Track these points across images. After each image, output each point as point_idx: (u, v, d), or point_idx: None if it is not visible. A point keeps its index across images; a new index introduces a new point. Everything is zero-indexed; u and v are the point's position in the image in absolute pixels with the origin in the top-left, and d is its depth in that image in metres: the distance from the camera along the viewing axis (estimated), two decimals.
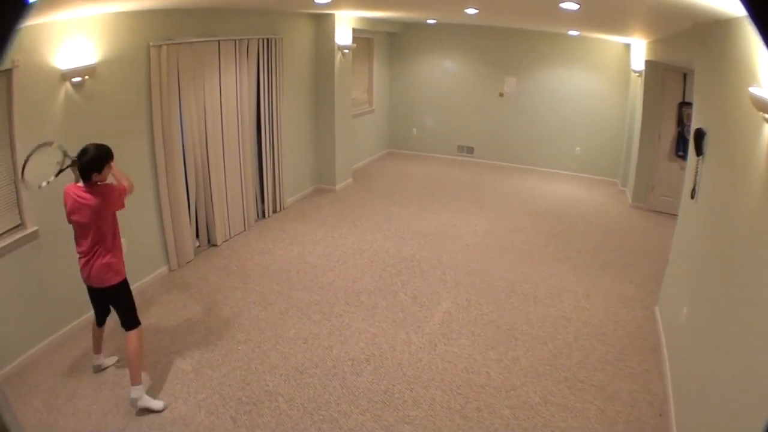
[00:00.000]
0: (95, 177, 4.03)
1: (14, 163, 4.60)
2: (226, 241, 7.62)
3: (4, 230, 4.60)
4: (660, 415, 4.35)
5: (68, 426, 4.10)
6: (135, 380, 4.28)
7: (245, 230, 8.07)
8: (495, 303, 6.15)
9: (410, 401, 4.48)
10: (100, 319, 4.61)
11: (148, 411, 4.27)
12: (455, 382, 4.74)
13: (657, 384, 4.75)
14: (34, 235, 4.80)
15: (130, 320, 4.35)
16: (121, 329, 4.38)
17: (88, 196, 4.02)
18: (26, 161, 3.97)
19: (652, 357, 5.17)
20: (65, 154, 4.04)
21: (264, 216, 8.68)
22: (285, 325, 5.59)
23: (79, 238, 4.17)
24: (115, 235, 4.19)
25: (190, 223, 6.94)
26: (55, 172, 4.04)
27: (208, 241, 7.45)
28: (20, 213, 4.75)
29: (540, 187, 11.12)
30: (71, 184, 4.11)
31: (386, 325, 5.62)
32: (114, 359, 4.90)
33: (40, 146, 3.99)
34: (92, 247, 4.14)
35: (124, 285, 4.31)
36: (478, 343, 5.36)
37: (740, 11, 3.27)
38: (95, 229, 4.08)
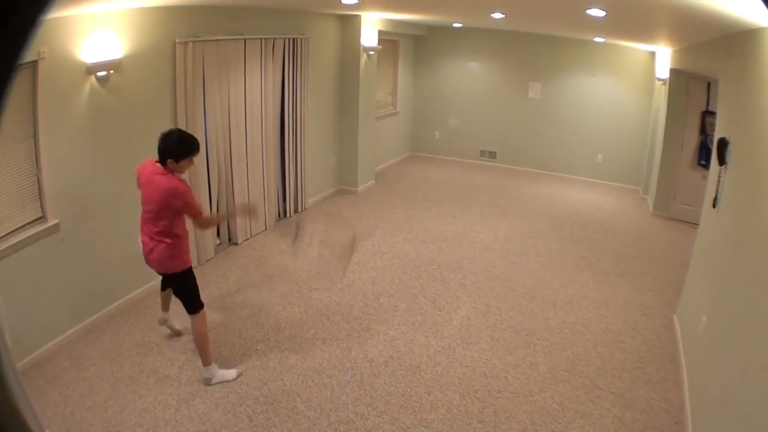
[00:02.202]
0: (170, 164, 4.07)
1: (37, 156, 4.64)
2: (246, 239, 7.67)
3: (25, 222, 4.65)
4: (677, 423, 4.34)
5: (84, 419, 4.15)
6: (204, 362, 4.49)
7: (266, 229, 8.12)
8: (515, 308, 6.15)
9: (428, 404, 4.50)
10: (165, 286, 4.85)
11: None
12: (473, 387, 4.75)
13: (674, 392, 4.73)
14: (54, 228, 4.84)
15: (190, 306, 4.44)
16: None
17: (159, 179, 4.08)
18: None
19: (670, 365, 5.15)
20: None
21: (285, 215, 8.72)
22: (304, 325, 5.63)
23: (142, 214, 4.26)
24: (177, 225, 4.20)
25: None
26: None
27: (229, 239, 7.51)
28: (41, 206, 4.79)
29: (561, 193, 11.09)
30: (150, 159, 4.20)
31: (405, 328, 5.64)
32: (178, 326, 5.16)
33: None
34: (151, 231, 4.20)
35: (185, 274, 4.36)
36: (496, 348, 5.37)
37: (767, 22, 3.26)
38: (154, 214, 4.14)
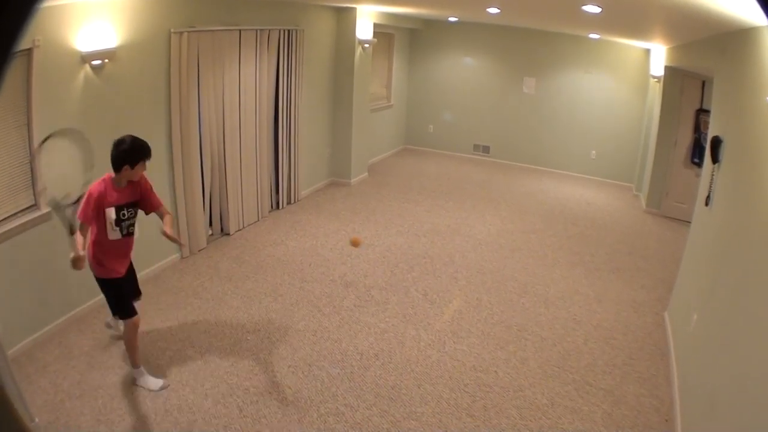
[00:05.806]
0: (125, 171, 4.06)
1: (30, 144, 4.61)
2: (239, 230, 7.66)
3: (17, 210, 4.63)
4: (666, 420, 4.35)
5: (74, 408, 4.15)
6: (131, 364, 4.44)
7: (259, 220, 8.11)
8: (506, 303, 6.16)
9: (417, 398, 4.50)
10: None
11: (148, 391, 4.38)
12: (463, 381, 4.76)
13: (664, 389, 4.75)
14: (47, 217, 4.80)
15: (113, 311, 4.38)
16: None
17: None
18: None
19: (661, 362, 5.17)
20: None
21: (278, 207, 8.72)
22: (295, 316, 5.62)
23: None
24: (96, 231, 4.13)
25: (204, 211, 6.97)
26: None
27: (221, 229, 7.49)
28: (34, 194, 4.76)
29: (554, 189, 11.11)
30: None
31: (396, 321, 5.64)
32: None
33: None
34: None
35: (99, 282, 4.27)
36: (487, 342, 5.38)
37: (762, 21, 3.27)
38: None
